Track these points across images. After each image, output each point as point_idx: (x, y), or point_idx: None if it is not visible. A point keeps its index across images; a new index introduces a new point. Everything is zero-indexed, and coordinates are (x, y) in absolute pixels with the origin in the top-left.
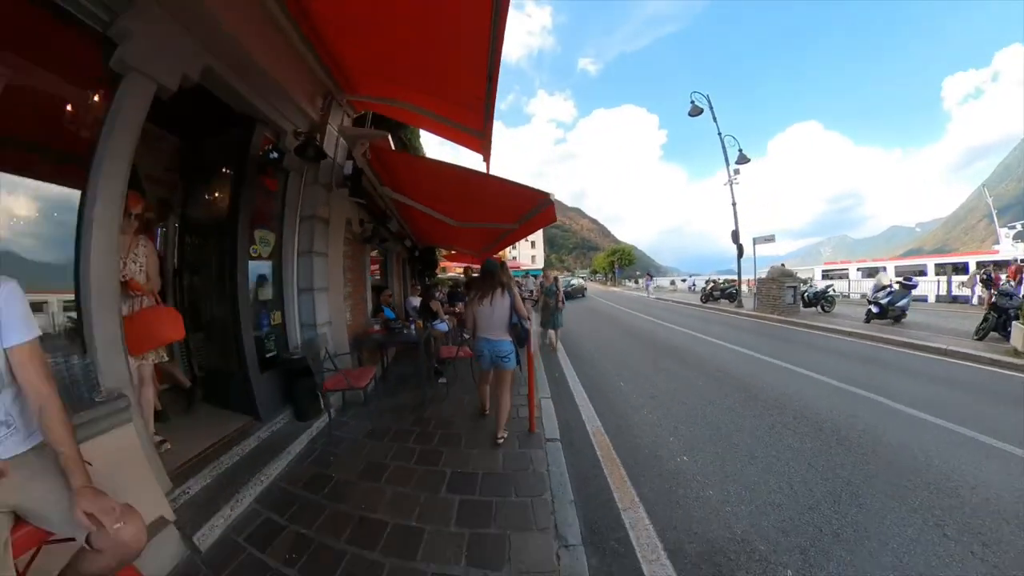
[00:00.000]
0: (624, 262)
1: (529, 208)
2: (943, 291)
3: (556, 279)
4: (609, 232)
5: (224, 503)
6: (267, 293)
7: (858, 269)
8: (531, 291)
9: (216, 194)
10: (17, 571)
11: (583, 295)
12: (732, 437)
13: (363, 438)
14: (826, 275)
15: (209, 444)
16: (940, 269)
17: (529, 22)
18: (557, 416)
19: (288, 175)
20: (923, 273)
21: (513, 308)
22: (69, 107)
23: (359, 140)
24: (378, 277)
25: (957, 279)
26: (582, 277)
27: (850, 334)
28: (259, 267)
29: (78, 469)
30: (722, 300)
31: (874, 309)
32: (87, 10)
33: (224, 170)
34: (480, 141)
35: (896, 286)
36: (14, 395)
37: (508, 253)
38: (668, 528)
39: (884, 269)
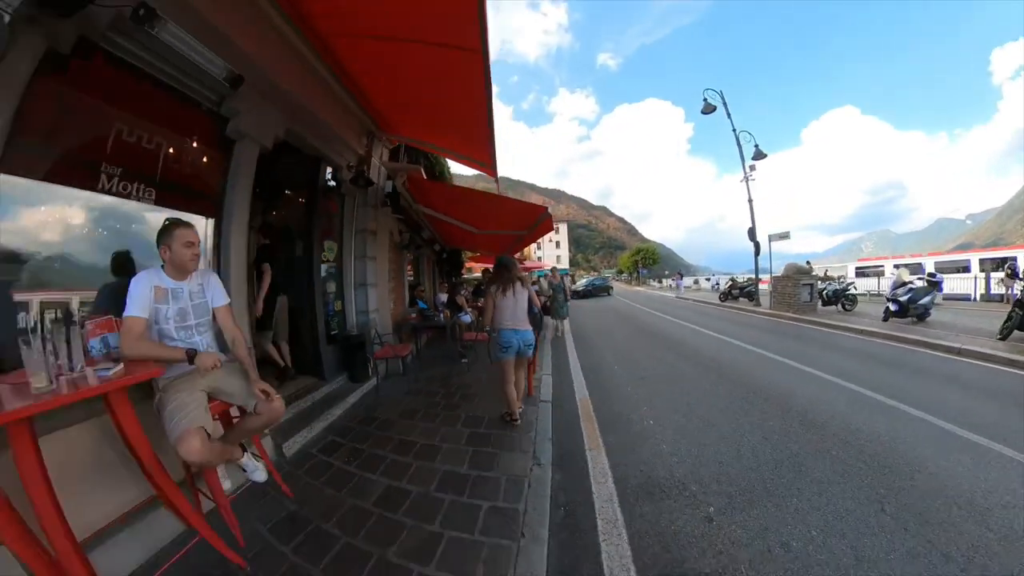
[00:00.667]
0: (648, 261)
1: (534, 219)
2: (985, 288)
3: (562, 277)
4: (636, 231)
5: (301, 429)
6: (332, 287)
7: (895, 266)
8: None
9: (296, 216)
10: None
11: (609, 293)
12: (699, 411)
13: (401, 395)
14: (860, 272)
15: (291, 392)
16: (986, 265)
17: (545, 21)
18: (553, 388)
19: (345, 198)
20: (966, 269)
21: (530, 299)
22: (205, 159)
23: (398, 172)
24: (412, 276)
25: (996, 276)
26: (607, 276)
27: (861, 332)
28: (327, 268)
29: (253, 371)
30: (741, 299)
31: (892, 307)
32: (205, 96)
33: (300, 199)
34: (490, 170)
35: (918, 283)
36: (215, 333)
37: (533, 253)
38: (620, 464)
39: (921, 265)
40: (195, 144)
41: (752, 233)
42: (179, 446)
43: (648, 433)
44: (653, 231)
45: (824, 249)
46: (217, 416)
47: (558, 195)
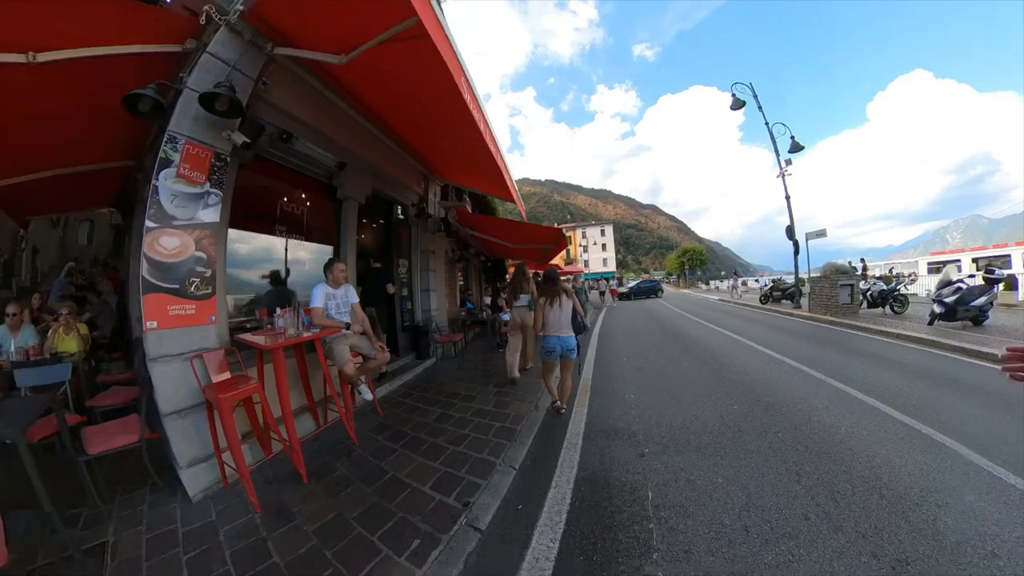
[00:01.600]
0: (695, 262)
1: (556, 237)
2: None
3: (584, 282)
4: (689, 229)
5: (385, 384)
6: (405, 291)
7: (973, 260)
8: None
9: (380, 242)
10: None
11: (657, 295)
12: (676, 393)
13: (453, 369)
14: (934, 268)
15: None
16: None
17: (575, 19)
18: None
19: (412, 228)
20: None
21: (574, 308)
22: (327, 214)
23: (450, 208)
24: (462, 282)
25: None
26: (658, 278)
27: (897, 336)
28: (401, 278)
29: (375, 338)
30: (784, 301)
31: (937, 309)
32: (323, 176)
33: (382, 231)
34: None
35: (970, 281)
36: (351, 319)
37: (580, 257)
38: (594, 417)
39: (1008, 258)
40: (321, 205)
41: (791, 232)
42: (342, 368)
43: (625, 403)
44: (707, 229)
45: (902, 242)
46: (354, 358)
47: (604, 195)
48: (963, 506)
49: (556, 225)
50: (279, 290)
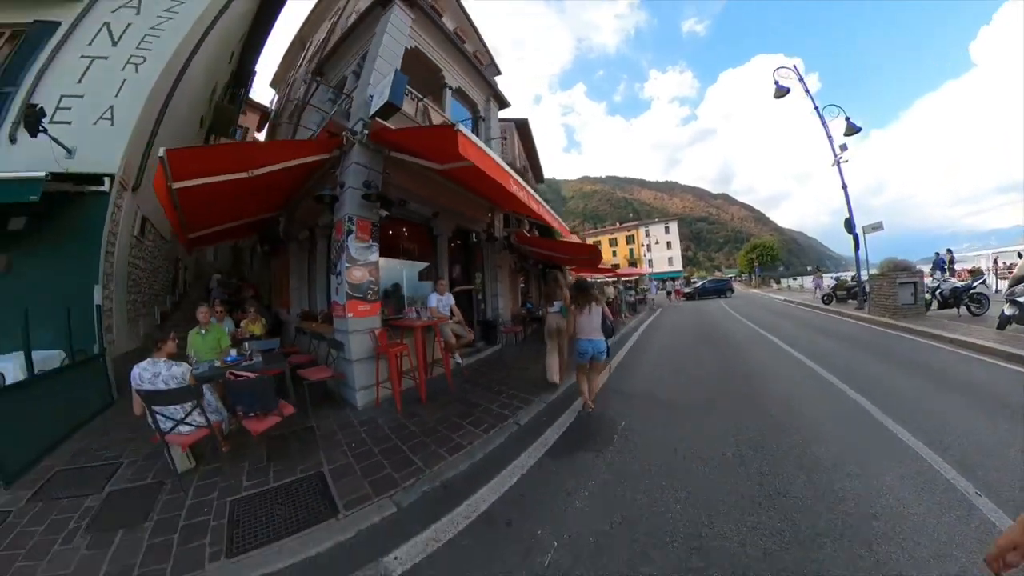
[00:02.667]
0: (765, 258)
1: (590, 252)
2: None
3: (617, 289)
4: (767, 218)
5: (465, 358)
6: (480, 295)
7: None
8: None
9: (462, 261)
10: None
11: (726, 295)
12: (689, 375)
13: (514, 352)
14: None
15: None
16: None
17: (614, 6)
18: None
19: (483, 248)
20: None
21: (603, 314)
22: (428, 246)
23: (510, 232)
24: (523, 286)
25: None
26: (729, 276)
27: (952, 341)
28: (476, 286)
29: (464, 324)
30: (850, 301)
31: (1008, 310)
32: (425, 221)
33: (464, 252)
34: (557, 226)
35: None
36: (450, 313)
37: (643, 256)
38: (617, 384)
39: None
40: (424, 241)
41: (850, 224)
42: (447, 341)
43: (636, 376)
44: (787, 217)
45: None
46: (452, 335)
47: (670, 188)
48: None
49: (619, 224)
50: (399, 294)
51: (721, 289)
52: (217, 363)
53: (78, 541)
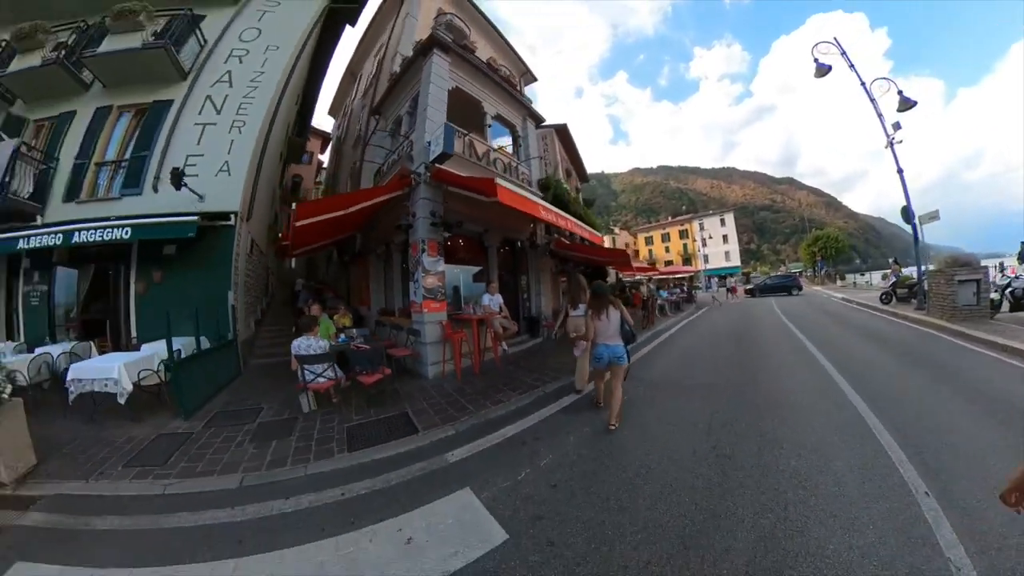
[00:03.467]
0: (828, 251)
1: (622, 256)
2: None
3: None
4: (839, 203)
5: (510, 348)
6: (525, 295)
7: None
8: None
9: (509, 265)
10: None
11: (792, 292)
12: (701, 368)
13: (553, 344)
14: None
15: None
16: None
17: None
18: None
19: (527, 254)
20: None
21: (622, 319)
22: (481, 254)
23: (550, 240)
24: (565, 284)
25: None
26: (794, 271)
27: (1012, 352)
28: (522, 286)
29: (509, 319)
30: (913, 300)
31: None
32: (477, 235)
33: (511, 258)
34: (588, 235)
35: None
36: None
37: (698, 252)
38: (633, 371)
39: None
40: (477, 250)
41: (908, 214)
42: (496, 332)
43: (655, 367)
44: (863, 201)
45: None
46: (501, 327)
47: (727, 174)
48: None
49: (670, 218)
50: (458, 294)
51: (787, 286)
52: (333, 342)
53: (246, 446)
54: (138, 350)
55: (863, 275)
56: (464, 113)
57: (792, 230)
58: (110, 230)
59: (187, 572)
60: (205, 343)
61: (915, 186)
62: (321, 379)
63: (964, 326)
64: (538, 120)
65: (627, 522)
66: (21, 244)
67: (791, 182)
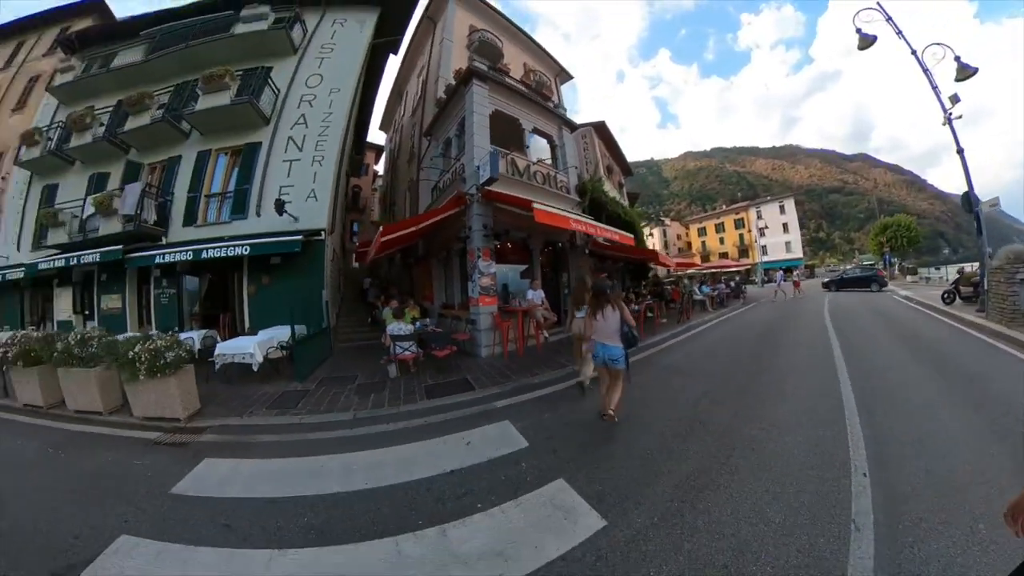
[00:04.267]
0: (900, 240)
1: (650, 255)
2: None
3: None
4: (922, 181)
5: (550, 336)
6: (565, 289)
7: None
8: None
9: (552, 263)
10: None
11: (873, 288)
12: (712, 367)
13: None
14: None
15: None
16: None
17: None
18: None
19: (568, 254)
20: None
21: (622, 319)
22: (526, 254)
23: (590, 240)
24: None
25: None
26: (872, 264)
27: None
28: (564, 282)
29: (549, 311)
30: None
31: None
32: (523, 241)
33: (553, 256)
34: (619, 238)
35: None
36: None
37: (756, 242)
38: (661, 359)
39: None
40: (523, 252)
41: (970, 201)
42: (539, 322)
43: (676, 356)
44: (952, 179)
45: None
46: (542, 318)
47: (791, 154)
48: None
49: (724, 206)
50: (505, 290)
51: (869, 279)
52: (410, 327)
53: (351, 396)
54: (255, 335)
55: (938, 269)
56: (504, 131)
57: (868, 215)
58: (233, 248)
59: (328, 459)
60: (302, 331)
61: (1019, 154)
62: (407, 352)
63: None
64: (572, 127)
65: (613, 445)
66: (158, 259)
67: (865, 159)
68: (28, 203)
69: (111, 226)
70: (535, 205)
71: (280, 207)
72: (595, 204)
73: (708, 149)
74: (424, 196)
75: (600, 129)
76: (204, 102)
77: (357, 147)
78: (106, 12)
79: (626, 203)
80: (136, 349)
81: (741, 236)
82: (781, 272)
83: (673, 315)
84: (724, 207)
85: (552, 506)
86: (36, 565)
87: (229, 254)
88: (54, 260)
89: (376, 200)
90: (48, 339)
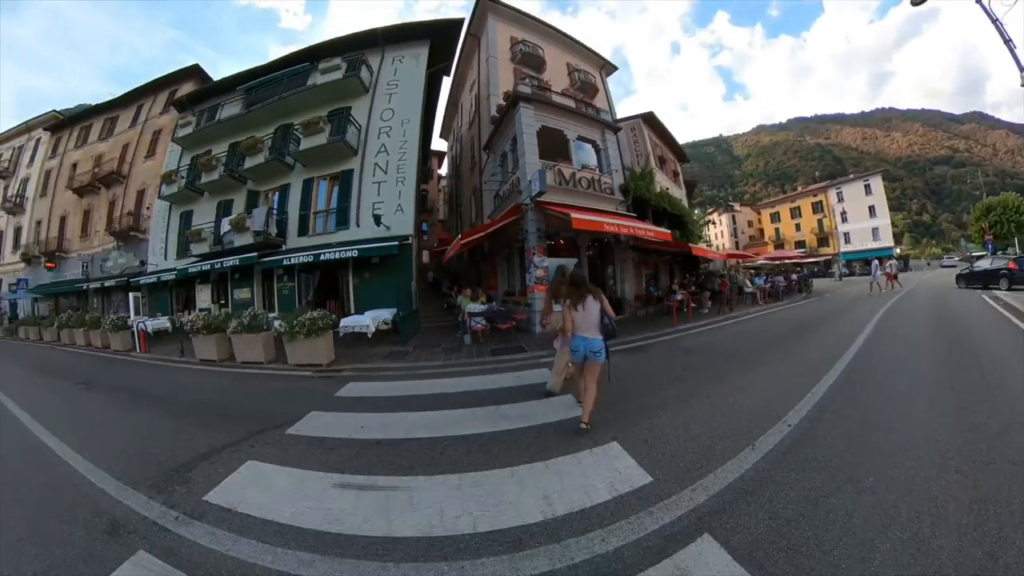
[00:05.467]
0: (1005, 228)
1: (681, 246)
2: None
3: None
4: None
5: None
6: (611, 281)
7: None
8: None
9: (600, 257)
10: None
11: (999, 284)
12: (726, 347)
13: (631, 318)
14: None
15: None
16: None
17: None
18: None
19: (613, 248)
20: None
21: (603, 310)
22: (571, 246)
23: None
24: (653, 272)
25: None
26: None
27: None
28: (610, 275)
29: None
30: None
31: None
32: (570, 239)
33: (601, 250)
34: (653, 235)
35: None
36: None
37: (835, 228)
38: (684, 343)
39: None
40: (572, 248)
41: None
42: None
43: (700, 340)
44: None
45: None
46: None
47: (884, 119)
48: None
49: (800, 188)
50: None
51: (995, 274)
52: (483, 306)
53: (439, 355)
54: (363, 315)
55: None
56: (551, 141)
57: (988, 189)
58: (344, 251)
59: (428, 382)
60: (393, 312)
61: None
62: (479, 325)
63: None
64: (615, 130)
65: (618, 383)
66: (285, 262)
67: (979, 119)
68: (170, 225)
69: (244, 239)
70: (572, 216)
71: (378, 220)
72: (639, 201)
73: (784, 121)
74: (487, 202)
75: (649, 120)
76: (305, 143)
77: (424, 157)
78: (203, 74)
79: (682, 192)
80: (300, 318)
81: (820, 222)
82: (876, 262)
83: (717, 307)
84: (799, 188)
85: (561, 402)
86: (263, 424)
87: (341, 256)
88: (201, 265)
89: (442, 200)
90: (226, 316)
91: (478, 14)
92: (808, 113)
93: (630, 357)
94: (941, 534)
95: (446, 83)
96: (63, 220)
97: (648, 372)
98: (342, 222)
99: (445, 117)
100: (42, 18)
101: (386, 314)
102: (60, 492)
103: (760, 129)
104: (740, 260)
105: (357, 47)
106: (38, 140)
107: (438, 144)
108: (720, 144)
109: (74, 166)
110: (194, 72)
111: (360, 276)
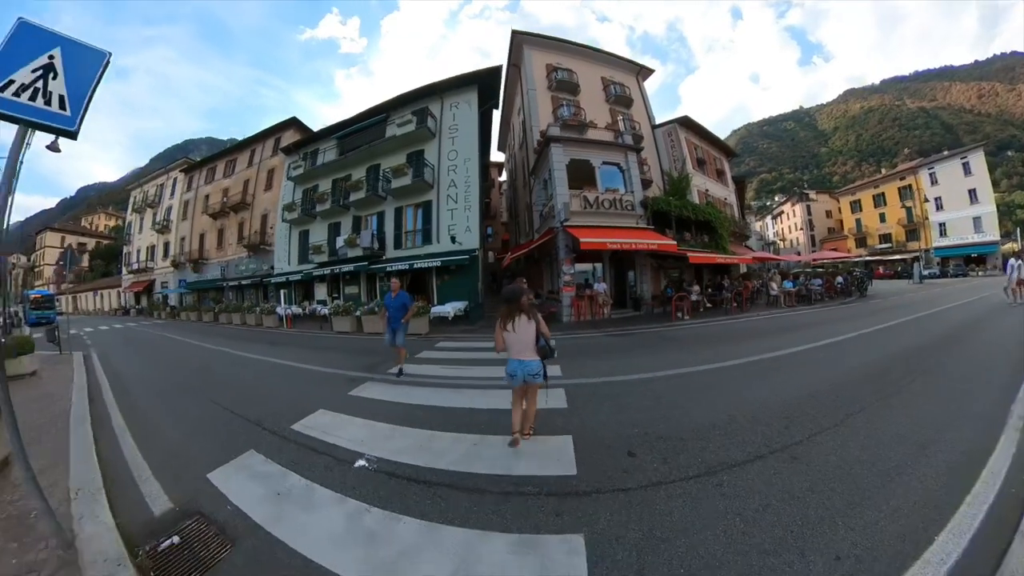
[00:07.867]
0: None
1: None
2: None
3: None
4: None
5: (612, 313)
6: (632, 282)
7: None
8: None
9: (623, 263)
10: None
11: None
12: (705, 340)
13: (648, 315)
14: None
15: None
16: None
17: None
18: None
19: (634, 256)
20: None
21: (538, 331)
22: (592, 258)
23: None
24: (676, 274)
25: None
26: None
27: None
28: (632, 278)
29: (608, 295)
30: None
31: None
32: (594, 252)
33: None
34: (663, 247)
35: None
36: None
37: (928, 218)
38: (674, 333)
39: None
40: (597, 256)
41: None
42: (602, 303)
43: (691, 332)
44: None
45: None
46: (604, 302)
47: (1007, 68)
48: None
49: (883, 171)
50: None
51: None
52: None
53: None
54: (444, 305)
55: None
56: (579, 169)
57: None
58: (431, 262)
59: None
60: (464, 304)
61: None
62: None
63: None
64: (638, 150)
65: (601, 353)
66: (388, 268)
67: None
68: (291, 241)
69: (355, 251)
70: (581, 240)
71: (453, 239)
72: (657, 215)
73: (877, 83)
74: (536, 218)
75: (685, 123)
76: (395, 183)
77: (484, 175)
78: (301, 124)
79: (729, 189)
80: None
81: (908, 210)
82: (1013, 260)
83: (723, 304)
84: (883, 172)
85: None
86: (379, 366)
87: (429, 265)
88: (323, 269)
89: (504, 205)
90: (354, 304)
91: (514, 47)
92: (906, 71)
93: (614, 339)
94: None
95: (498, 109)
96: (202, 236)
97: (633, 345)
98: (427, 239)
99: (500, 134)
100: (145, 77)
101: (460, 305)
102: (315, 377)
103: (849, 94)
104: (762, 262)
105: (420, 97)
106: (175, 179)
107: (496, 155)
108: (801, 118)
109: (206, 197)
110: (293, 121)
111: (441, 278)
